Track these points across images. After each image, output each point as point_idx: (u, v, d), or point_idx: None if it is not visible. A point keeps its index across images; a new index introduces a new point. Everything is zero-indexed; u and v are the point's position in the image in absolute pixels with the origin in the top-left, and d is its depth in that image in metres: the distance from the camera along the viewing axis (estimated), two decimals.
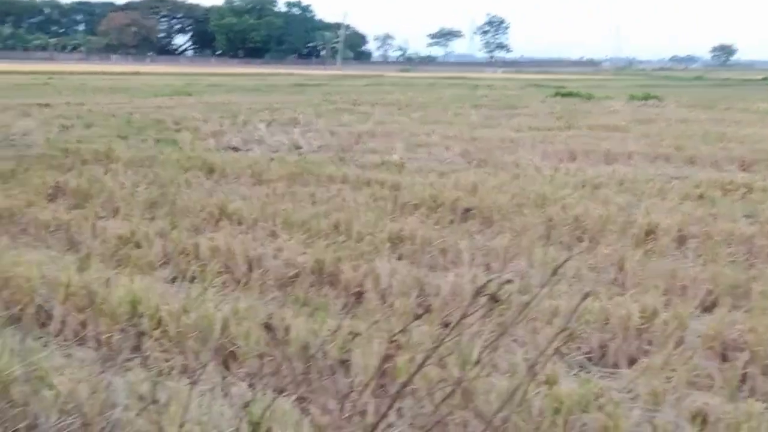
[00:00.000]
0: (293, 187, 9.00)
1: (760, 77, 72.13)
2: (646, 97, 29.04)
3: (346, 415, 1.76)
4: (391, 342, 1.81)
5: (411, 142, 13.67)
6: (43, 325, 4.69)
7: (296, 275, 5.61)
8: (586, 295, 2.56)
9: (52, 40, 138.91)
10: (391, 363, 3.47)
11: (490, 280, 1.94)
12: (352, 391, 1.85)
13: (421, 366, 1.77)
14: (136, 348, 4.30)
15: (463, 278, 5.34)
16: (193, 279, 5.57)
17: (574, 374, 4.00)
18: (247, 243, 6.21)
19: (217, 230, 6.84)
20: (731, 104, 26.52)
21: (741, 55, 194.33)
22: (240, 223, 7.15)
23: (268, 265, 5.73)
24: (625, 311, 4.57)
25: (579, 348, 4.31)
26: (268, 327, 1.57)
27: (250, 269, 5.73)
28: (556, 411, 3.37)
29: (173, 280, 5.62)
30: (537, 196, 8.18)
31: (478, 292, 1.86)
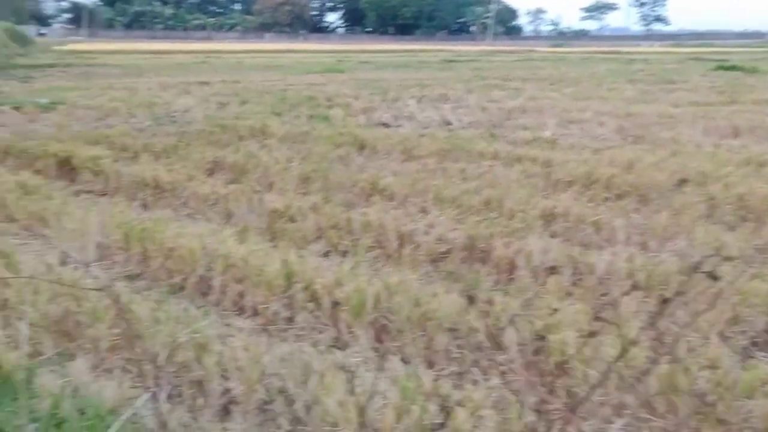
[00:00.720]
0: (444, 163, 8.96)
1: None
2: None
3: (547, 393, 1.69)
4: (597, 319, 1.74)
5: (563, 118, 13.38)
6: (204, 294, 4.86)
7: (448, 251, 5.59)
8: None
9: (210, 20, 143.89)
10: (544, 341, 3.42)
11: (709, 256, 1.84)
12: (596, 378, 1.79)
13: (631, 343, 1.68)
14: (291, 319, 4.39)
15: (619, 257, 5.19)
16: (345, 253, 5.64)
17: (739, 359, 3.81)
18: (399, 218, 6.22)
19: (368, 205, 6.89)
20: None
21: None
22: (391, 199, 7.19)
23: (419, 241, 5.73)
24: None
25: (744, 332, 4.11)
26: (470, 298, 1.54)
27: (402, 244, 5.75)
28: (720, 396, 3.23)
29: (326, 253, 5.71)
30: (697, 174, 7.83)
31: (694, 269, 1.76)
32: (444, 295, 4.32)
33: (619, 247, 5.55)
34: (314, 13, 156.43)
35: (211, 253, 5.13)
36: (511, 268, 5.23)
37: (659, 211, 6.48)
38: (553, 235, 5.99)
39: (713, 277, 1.75)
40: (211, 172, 8.55)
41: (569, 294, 4.61)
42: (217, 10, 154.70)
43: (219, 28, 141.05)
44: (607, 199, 7.08)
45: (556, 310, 3.70)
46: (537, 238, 5.66)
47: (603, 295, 4.58)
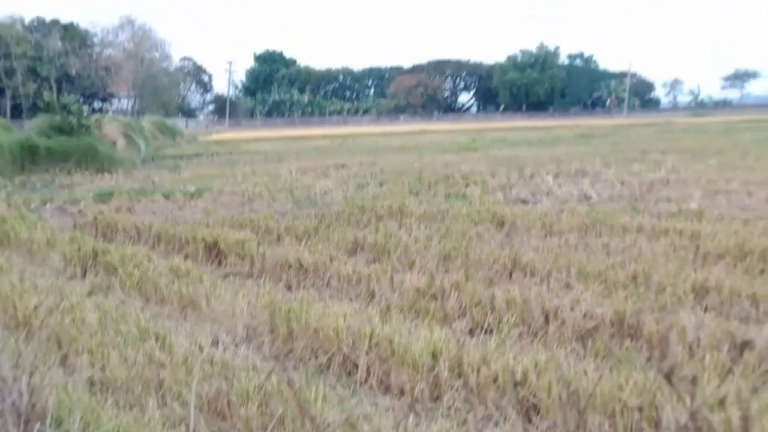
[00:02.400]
0: (585, 237, 8.81)
1: None
2: None
3: None
4: None
5: (709, 190, 12.98)
6: (350, 373, 4.88)
7: (595, 327, 5.44)
8: None
9: (346, 105, 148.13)
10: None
11: None
12: None
13: None
14: (438, 398, 4.34)
15: None
16: (490, 330, 5.57)
17: None
18: (542, 294, 6.11)
19: (510, 282, 6.82)
20: None
21: None
22: (533, 275, 7.09)
23: (564, 317, 5.61)
24: None
25: None
26: (668, 377, 1.45)
27: (547, 321, 5.64)
28: None
29: (470, 331, 5.65)
30: None
31: None
32: (594, 373, 4.19)
33: None
34: (447, 93, 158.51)
35: (355, 333, 5.16)
36: (664, 344, 5.03)
37: None
38: (706, 310, 5.76)
39: None
40: (352, 252, 8.66)
41: (730, 371, 4.38)
42: (352, 96, 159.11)
43: (354, 112, 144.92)
44: (762, 271, 6.77)
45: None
46: (689, 312, 5.44)
47: (766, 372, 4.34)
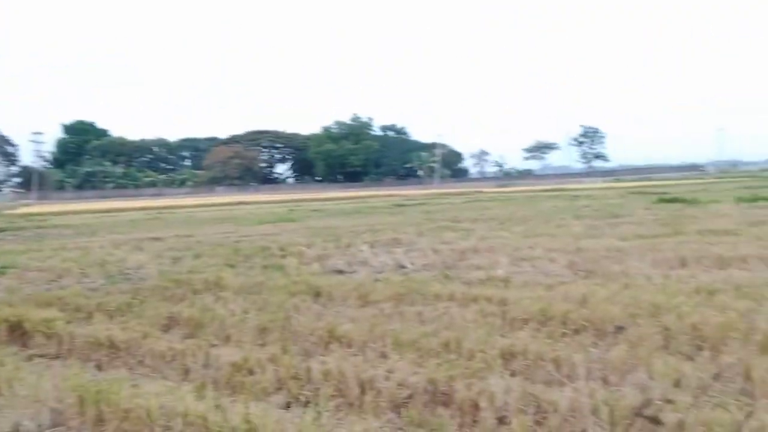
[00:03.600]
0: (400, 307, 8.99)
1: None
2: (755, 199, 28.13)
3: None
4: None
5: (515, 257, 13.55)
6: None
7: (409, 396, 5.55)
8: None
9: (161, 177, 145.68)
10: None
11: (649, 401, 1.86)
12: None
13: None
14: None
15: (581, 393, 5.19)
16: (307, 403, 5.57)
17: None
18: (359, 365, 6.19)
19: (327, 353, 6.85)
20: None
21: None
22: (350, 346, 7.15)
23: (380, 387, 5.69)
24: (758, 423, 4.34)
25: None
26: None
27: (363, 391, 5.70)
28: None
29: (287, 405, 5.63)
30: (650, 306, 7.95)
31: (637, 414, 1.78)
32: None
33: (581, 383, 5.55)
34: (264, 165, 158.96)
35: (168, 412, 5.04)
36: (475, 410, 5.20)
37: (616, 345, 6.54)
38: (513, 374, 5.99)
39: (656, 422, 1.77)
40: (166, 328, 8.46)
41: None
42: (167, 167, 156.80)
43: (170, 184, 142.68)
44: (564, 334, 7.13)
45: None
46: (498, 377, 5.66)
47: None
